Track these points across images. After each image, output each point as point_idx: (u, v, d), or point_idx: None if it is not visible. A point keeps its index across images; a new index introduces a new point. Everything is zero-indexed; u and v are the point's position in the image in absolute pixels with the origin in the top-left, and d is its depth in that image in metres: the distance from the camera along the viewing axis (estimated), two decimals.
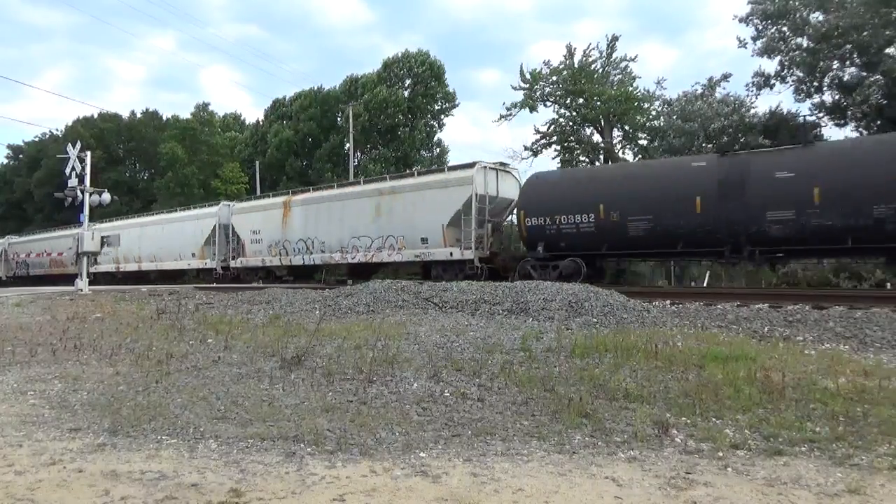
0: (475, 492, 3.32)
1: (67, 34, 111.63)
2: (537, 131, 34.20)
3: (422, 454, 3.97)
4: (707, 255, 14.19)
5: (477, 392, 5.49)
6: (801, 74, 24.20)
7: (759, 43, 24.89)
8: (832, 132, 26.73)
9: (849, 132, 23.32)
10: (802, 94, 24.45)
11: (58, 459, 3.87)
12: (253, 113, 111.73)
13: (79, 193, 20.59)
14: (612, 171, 18.24)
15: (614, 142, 33.24)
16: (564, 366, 6.31)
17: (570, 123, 33.94)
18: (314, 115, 47.02)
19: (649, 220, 13.75)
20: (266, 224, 23.81)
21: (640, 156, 32.02)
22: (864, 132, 21.76)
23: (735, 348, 6.69)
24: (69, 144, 21.63)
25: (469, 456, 3.92)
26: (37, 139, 57.72)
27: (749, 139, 22.82)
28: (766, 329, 8.41)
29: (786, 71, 24.74)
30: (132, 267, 30.73)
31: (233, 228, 25.54)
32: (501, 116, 34.39)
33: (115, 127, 53.09)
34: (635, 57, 36.36)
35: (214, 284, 23.80)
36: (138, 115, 55.45)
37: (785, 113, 24.75)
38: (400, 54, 45.98)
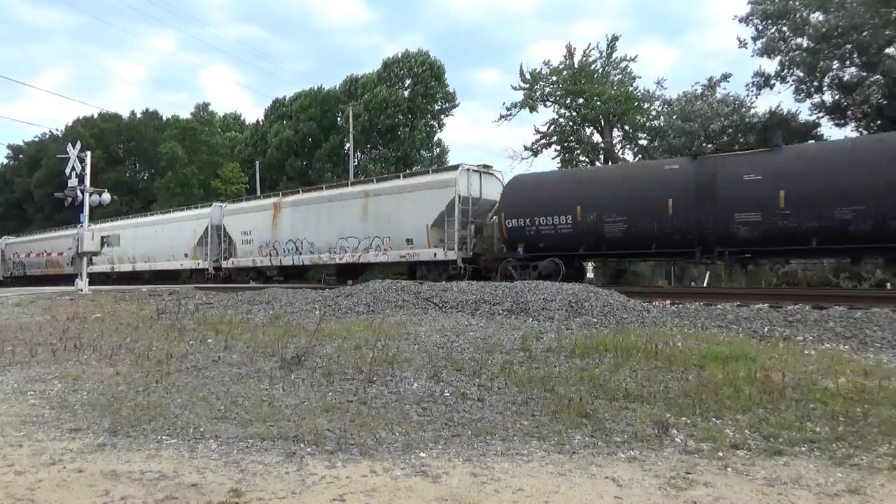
0: (475, 492, 3.32)
1: (67, 34, 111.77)
2: (537, 131, 34.29)
3: (422, 454, 3.97)
4: (679, 255, 14.56)
5: (477, 392, 5.49)
6: (801, 74, 24.20)
7: (759, 43, 24.91)
8: (832, 132, 26.75)
9: (849, 132, 23.37)
10: (802, 94, 24.47)
11: (58, 459, 3.87)
12: (253, 113, 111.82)
13: (79, 193, 20.59)
14: (589, 174, 18.72)
15: (614, 142, 33.28)
16: (564, 366, 6.31)
17: (570, 123, 33.98)
18: (314, 115, 47.00)
19: (624, 221, 14.10)
20: (257, 225, 24.14)
21: (640, 156, 32.07)
22: (865, 132, 21.76)
23: (735, 348, 6.69)
24: (69, 144, 21.63)
25: (469, 456, 3.92)
26: (37, 139, 57.77)
27: (749, 139, 22.85)
28: (766, 329, 8.41)
29: (786, 71, 24.75)
30: (126, 267, 31.00)
31: (224, 229, 25.85)
32: (501, 116, 34.51)
33: (115, 127, 53.09)
34: (635, 57, 36.48)
35: (212, 284, 23.91)
36: (138, 115, 55.44)
37: (785, 113, 24.77)
38: (400, 54, 45.97)
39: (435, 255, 17.74)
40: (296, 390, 5.66)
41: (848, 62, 22.72)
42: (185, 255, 27.37)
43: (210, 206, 27.72)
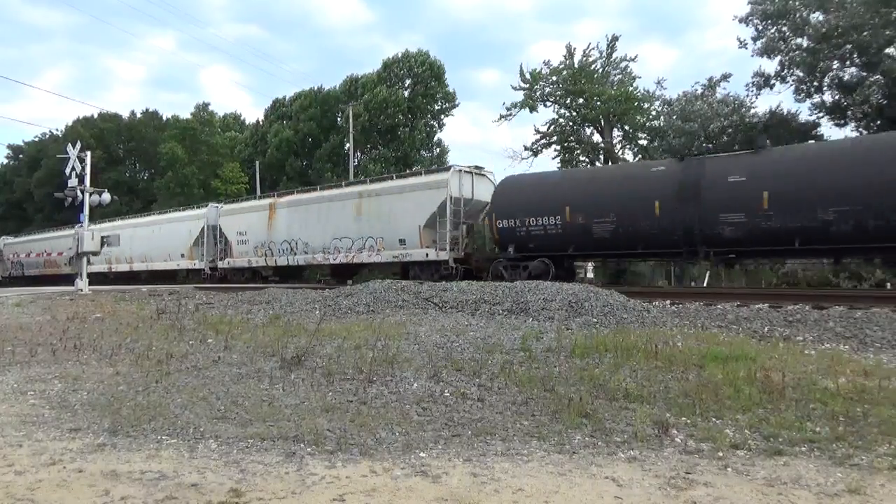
0: (475, 492, 3.32)
1: (67, 34, 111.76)
2: (537, 131, 34.27)
3: (422, 454, 3.97)
4: (666, 255, 14.69)
5: (477, 392, 5.49)
6: (801, 74, 24.17)
7: (759, 43, 24.87)
8: (832, 132, 26.71)
9: (849, 132, 23.34)
10: (802, 94, 24.44)
11: (58, 459, 3.87)
12: (253, 113, 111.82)
13: (79, 193, 20.60)
14: (578, 175, 18.85)
15: (614, 142, 33.27)
16: (564, 366, 6.31)
17: (570, 123, 33.96)
18: (314, 115, 47.00)
19: (612, 222, 14.23)
20: (252, 225, 24.26)
21: (640, 156, 32.05)
22: (865, 132, 21.75)
23: (735, 348, 6.69)
24: (69, 144, 21.65)
25: (469, 456, 3.92)
26: (37, 139, 57.71)
27: (749, 139, 22.81)
28: (766, 329, 8.41)
29: (786, 71, 24.72)
30: (124, 267, 31.10)
31: (220, 230, 25.95)
32: (501, 116, 34.48)
33: (115, 127, 53.05)
34: (635, 57, 36.43)
35: (212, 284, 23.99)
36: (138, 115, 55.40)
37: (785, 113, 24.76)
38: (400, 54, 45.96)
39: (427, 255, 17.85)
40: (296, 390, 5.66)
41: (848, 62, 22.70)
42: (182, 256, 27.48)
43: (206, 206, 27.81)
